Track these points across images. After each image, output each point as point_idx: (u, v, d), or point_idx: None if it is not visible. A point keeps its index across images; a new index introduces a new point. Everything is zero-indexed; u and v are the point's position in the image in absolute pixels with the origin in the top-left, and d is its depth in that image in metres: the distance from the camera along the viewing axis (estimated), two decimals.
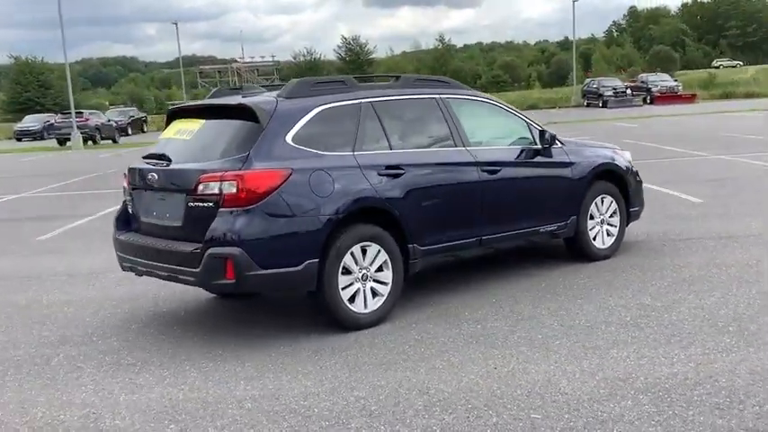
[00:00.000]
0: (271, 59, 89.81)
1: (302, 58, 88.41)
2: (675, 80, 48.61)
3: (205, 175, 5.35)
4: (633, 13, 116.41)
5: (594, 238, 7.36)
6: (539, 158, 6.94)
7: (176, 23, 62.88)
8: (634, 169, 7.83)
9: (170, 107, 6.83)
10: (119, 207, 6.46)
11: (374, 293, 5.71)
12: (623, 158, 7.74)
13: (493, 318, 5.74)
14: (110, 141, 40.10)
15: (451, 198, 6.24)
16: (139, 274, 6.06)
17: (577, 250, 7.34)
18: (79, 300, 7.05)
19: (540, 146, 6.98)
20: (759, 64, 78.59)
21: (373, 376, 4.71)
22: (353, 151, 5.78)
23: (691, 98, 45.52)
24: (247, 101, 5.70)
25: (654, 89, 46.43)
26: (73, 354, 5.57)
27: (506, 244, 6.85)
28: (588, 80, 53.07)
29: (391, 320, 5.74)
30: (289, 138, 5.52)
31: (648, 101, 45.98)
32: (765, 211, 9.38)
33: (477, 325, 5.60)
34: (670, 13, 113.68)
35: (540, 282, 6.74)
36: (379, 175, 5.76)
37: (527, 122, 7.10)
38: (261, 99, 5.80)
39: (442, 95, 6.58)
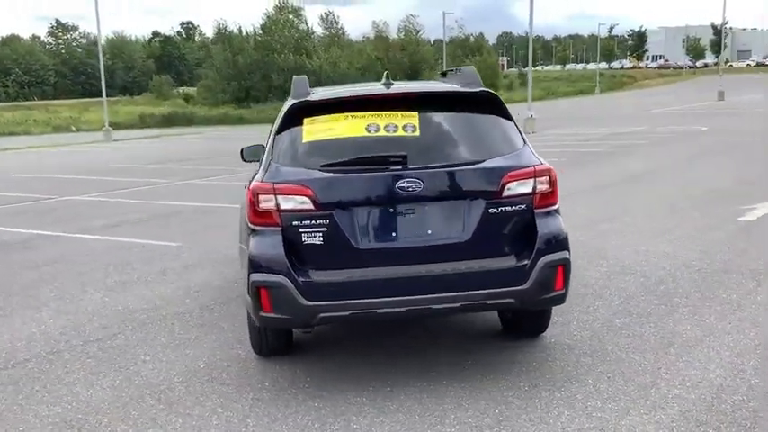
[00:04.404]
0: None
1: None
2: None
3: (515, 173, 4.51)
4: None
5: None
6: None
7: None
8: None
9: (328, 98, 4.74)
10: (269, 242, 4.41)
11: None
12: None
13: (608, 314, 6.31)
14: None
15: None
16: (363, 318, 4.49)
17: None
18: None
19: None
20: None
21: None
22: None
23: None
24: (486, 90, 4.89)
25: None
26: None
27: None
28: None
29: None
30: None
31: None
32: None
33: (608, 322, 6.09)
34: None
35: None
36: None
37: None
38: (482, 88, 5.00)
39: None
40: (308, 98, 4.79)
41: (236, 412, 4.38)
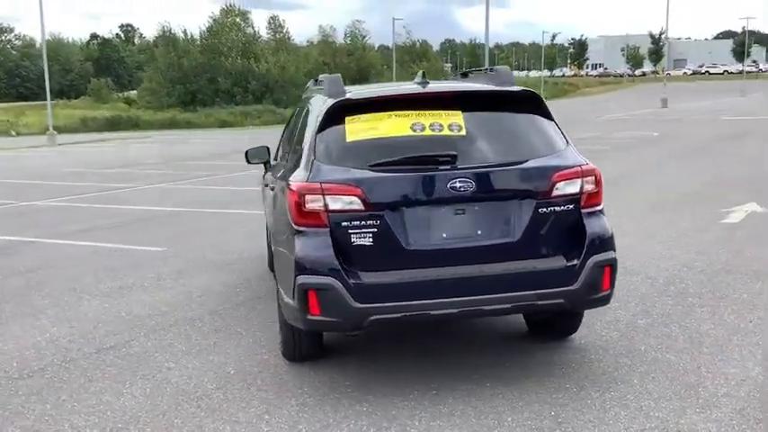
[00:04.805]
0: None
1: None
2: None
3: (563, 172, 4.50)
4: None
5: None
6: None
7: None
8: None
9: (366, 96, 4.76)
10: (317, 243, 4.29)
11: None
12: None
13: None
14: None
15: None
16: (424, 320, 4.38)
17: None
18: None
19: None
20: None
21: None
22: None
23: None
24: (527, 89, 4.86)
25: None
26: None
27: None
28: None
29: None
30: None
31: None
32: None
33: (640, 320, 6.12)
34: None
35: None
36: None
37: None
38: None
39: None
40: (349, 96, 4.69)
41: (285, 418, 4.26)
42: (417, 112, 4.55)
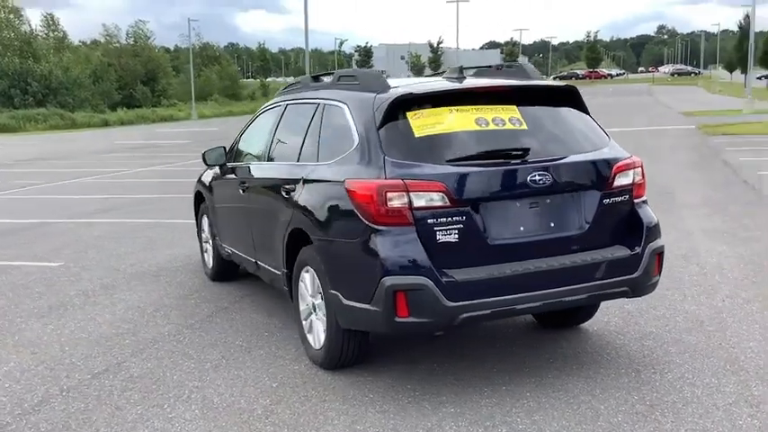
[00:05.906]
0: None
1: None
2: None
3: (620, 164, 4.67)
4: None
5: None
6: None
7: None
8: None
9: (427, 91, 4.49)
10: (403, 242, 4.12)
11: None
12: None
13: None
14: None
15: None
16: (510, 315, 4.35)
17: None
18: None
19: None
20: None
21: None
22: None
23: None
24: (571, 85, 4.97)
25: None
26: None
27: None
28: None
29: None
30: None
31: None
32: None
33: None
34: None
35: None
36: None
37: None
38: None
39: None
40: (411, 91, 4.52)
41: (378, 427, 4.03)
42: (477, 107, 4.50)
